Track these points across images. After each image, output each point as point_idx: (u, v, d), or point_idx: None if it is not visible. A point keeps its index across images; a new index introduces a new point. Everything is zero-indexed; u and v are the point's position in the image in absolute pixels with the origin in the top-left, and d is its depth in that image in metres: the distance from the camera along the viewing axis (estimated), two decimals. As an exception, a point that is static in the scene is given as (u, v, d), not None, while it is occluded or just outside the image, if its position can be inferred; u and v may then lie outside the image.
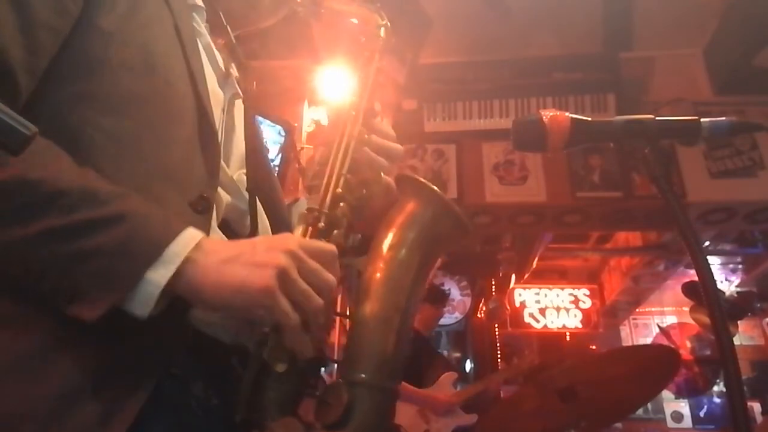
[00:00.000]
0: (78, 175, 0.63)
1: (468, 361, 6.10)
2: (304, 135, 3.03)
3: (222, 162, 0.82)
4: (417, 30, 2.81)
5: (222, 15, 0.95)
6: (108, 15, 0.74)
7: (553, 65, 3.28)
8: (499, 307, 4.89)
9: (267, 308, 0.64)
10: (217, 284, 0.63)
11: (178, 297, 0.64)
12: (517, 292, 5.57)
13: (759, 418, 4.89)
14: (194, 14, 0.89)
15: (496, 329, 5.38)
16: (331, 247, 0.72)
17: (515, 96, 3.29)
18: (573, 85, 3.24)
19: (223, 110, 0.88)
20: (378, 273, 0.79)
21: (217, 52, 0.93)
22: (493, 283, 5.07)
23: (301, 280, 0.65)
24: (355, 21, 1.02)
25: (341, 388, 0.69)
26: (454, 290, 5.49)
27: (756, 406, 5.14)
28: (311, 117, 3.16)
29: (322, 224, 0.77)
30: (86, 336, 0.61)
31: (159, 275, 0.61)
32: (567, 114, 0.91)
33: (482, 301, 5.41)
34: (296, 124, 2.92)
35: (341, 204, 0.80)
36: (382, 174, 0.90)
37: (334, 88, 2.99)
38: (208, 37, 0.92)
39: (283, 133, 2.83)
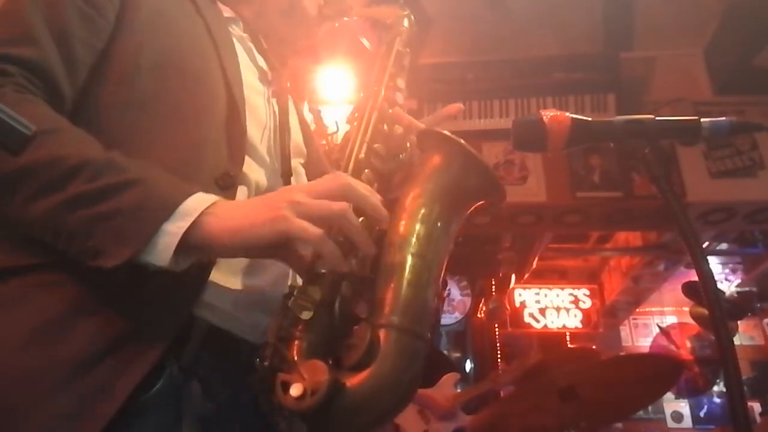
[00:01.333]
0: (105, 152, 0.69)
1: (468, 361, 6.10)
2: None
3: (262, 148, 0.89)
4: (417, 30, 2.81)
5: (262, 40, 1.03)
6: (139, 26, 0.82)
7: (553, 65, 3.28)
8: (499, 307, 4.89)
9: (284, 232, 0.66)
10: (233, 228, 0.66)
11: (195, 249, 0.67)
12: (517, 292, 5.56)
13: (759, 419, 4.88)
14: (232, 24, 0.98)
15: (496, 329, 5.38)
16: (341, 174, 0.74)
17: (515, 96, 3.29)
18: (573, 85, 3.24)
19: (267, 101, 0.95)
20: (404, 222, 0.77)
21: (258, 56, 1.01)
22: (493, 283, 5.07)
23: (314, 201, 0.68)
24: (386, 21, 1.09)
25: (365, 329, 0.68)
26: (454, 290, 5.49)
27: (756, 406, 5.14)
28: (311, 117, 3.16)
29: None
30: (102, 305, 0.67)
31: (176, 227, 0.65)
32: (567, 114, 0.91)
33: (482, 301, 5.41)
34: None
35: (366, 171, 0.82)
36: (407, 144, 0.93)
37: (334, 88, 2.99)
38: (250, 43, 1.00)
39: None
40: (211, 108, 0.83)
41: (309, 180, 1.00)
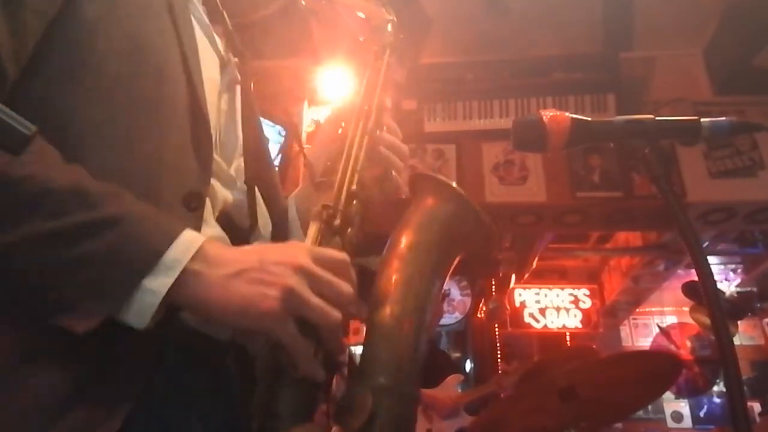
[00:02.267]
0: (67, 172, 0.58)
1: (468, 361, 6.10)
2: (304, 135, 3.04)
3: (216, 155, 0.78)
4: (417, 30, 2.81)
5: (219, 3, 0.91)
6: None
7: (553, 65, 3.28)
8: (499, 307, 4.89)
9: (273, 332, 0.60)
10: (223, 301, 0.59)
11: (175, 307, 0.59)
12: (517, 292, 5.56)
13: (758, 419, 4.88)
14: None
15: (496, 329, 5.38)
16: (344, 256, 0.68)
17: (515, 96, 3.29)
18: (573, 85, 3.24)
19: (219, 94, 0.84)
20: (395, 274, 0.75)
21: (216, 37, 0.89)
22: (493, 283, 5.07)
23: (314, 297, 0.61)
24: (361, 15, 1.00)
25: (366, 394, 0.65)
26: (454, 290, 5.49)
27: (756, 406, 5.14)
28: (311, 117, 3.16)
29: (337, 222, 0.74)
30: (64, 344, 0.56)
31: (158, 283, 0.56)
32: (567, 114, 0.91)
33: (482, 301, 5.41)
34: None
35: (354, 202, 0.78)
36: (393, 172, 0.88)
37: (334, 88, 2.99)
38: (207, 21, 0.87)
39: (283, 133, 2.83)
40: (173, 107, 0.72)
41: (260, 181, 0.88)
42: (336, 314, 0.62)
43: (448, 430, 3.01)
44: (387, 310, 0.72)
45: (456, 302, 5.50)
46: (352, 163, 0.81)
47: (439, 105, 3.33)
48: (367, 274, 0.74)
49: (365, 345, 0.71)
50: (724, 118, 0.89)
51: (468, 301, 5.55)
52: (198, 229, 0.68)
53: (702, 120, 0.89)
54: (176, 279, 0.57)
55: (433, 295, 0.77)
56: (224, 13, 0.91)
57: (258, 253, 0.64)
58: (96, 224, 0.56)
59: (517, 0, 2.98)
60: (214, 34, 0.89)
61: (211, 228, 0.74)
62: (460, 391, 3.22)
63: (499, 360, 5.24)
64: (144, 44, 0.72)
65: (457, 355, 6.27)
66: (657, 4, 3.00)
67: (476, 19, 3.08)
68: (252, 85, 0.92)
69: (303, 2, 0.99)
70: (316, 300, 0.61)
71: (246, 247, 0.69)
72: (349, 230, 0.75)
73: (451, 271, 0.82)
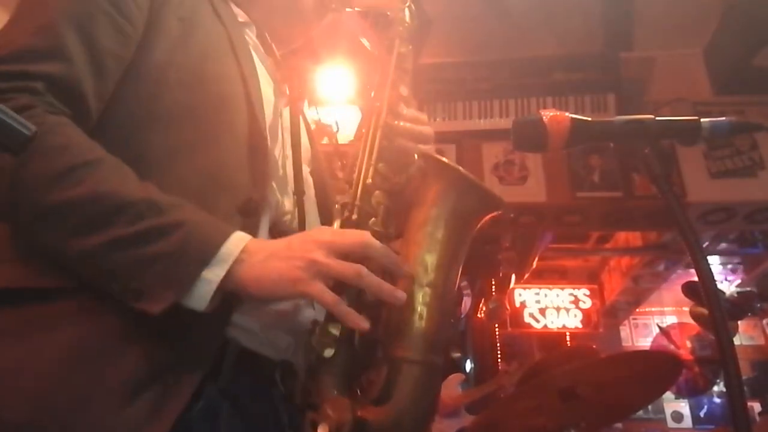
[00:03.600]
0: (142, 189, 0.71)
1: (468, 361, 6.09)
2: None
3: (278, 164, 0.89)
4: (417, 30, 2.81)
5: (267, 36, 1.02)
6: (165, 38, 0.82)
7: (553, 65, 3.28)
8: (499, 307, 4.89)
9: (303, 294, 0.71)
10: (260, 278, 0.70)
11: (229, 293, 0.71)
12: (517, 292, 5.56)
13: (758, 418, 4.88)
14: (246, 29, 0.97)
15: (496, 329, 5.38)
16: (362, 233, 0.76)
17: (515, 96, 3.29)
18: (573, 85, 3.24)
19: (279, 114, 0.95)
20: (413, 252, 0.80)
21: (269, 62, 1.01)
22: (493, 283, 5.07)
23: (335, 260, 0.71)
24: (381, 11, 1.07)
25: (381, 364, 0.73)
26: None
27: (756, 406, 5.14)
28: (311, 117, 3.16)
29: (355, 216, 0.81)
30: (145, 334, 0.68)
31: (213, 274, 0.68)
32: (567, 114, 0.91)
33: (482, 301, 5.41)
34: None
35: (376, 193, 0.84)
36: (416, 156, 0.94)
37: (335, 88, 2.99)
38: (262, 49, 0.99)
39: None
40: (233, 129, 0.83)
41: (315, 187, 1.01)
42: (355, 265, 0.71)
43: (448, 430, 3.00)
44: (410, 288, 0.77)
45: (456, 302, 5.50)
46: (366, 158, 0.87)
47: (439, 105, 3.33)
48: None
49: (389, 318, 0.76)
50: (724, 118, 0.89)
51: (468, 301, 5.54)
52: (255, 233, 0.79)
53: (702, 120, 0.89)
54: (228, 269, 0.69)
55: (454, 269, 0.81)
56: (273, 46, 1.03)
57: (287, 239, 0.77)
58: (166, 227, 0.68)
59: (517, 0, 2.98)
60: (267, 60, 1.00)
61: (264, 236, 0.85)
62: (460, 390, 3.22)
63: (499, 360, 5.24)
64: (209, 76, 0.83)
65: (457, 355, 6.26)
66: (657, 4, 3.00)
67: (476, 19, 3.08)
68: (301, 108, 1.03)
69: (332, 14, 1.05)
70: (336, 262, 0.71)
71: (280, 238, 0.79)
72: (371, 221, 0.81)
73: (467, 243, 0.86)
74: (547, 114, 0.90)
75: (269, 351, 0.83)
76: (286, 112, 0.98)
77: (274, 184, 0.88)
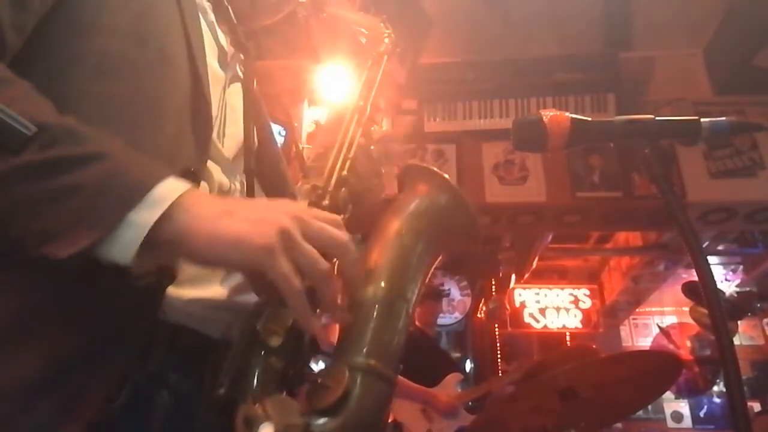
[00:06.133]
0: (59, 116, 0.58)
1: (468, 361, 6.10)
2: (304, 135, 3.03)
3: (217, 141, 0.78)
4: (417, 30, 2.81)
5: (231, 11, 0.92)
6: None
7: (553, 65, 3.28)
8: (499, 307, 4.89)
9: (266, 267, 0.58)
10: (212, 236, 0.57)
11: (161, 246, 0.57)
12: (517, 292, 5.57)
13: (756, 419, 4.88)
14: None
15: (496, 329, 5.38)
16: (336, 216, 0.67)
17: (515, 96, 3.29)
18: (573, 85, 3.24)
19: (224, 89, 0.84)
20: (381, 258, 0.75)
21: (220, 32, 0.89)
22: (493, 283, 5.07)
23: (306, 244, 0.60)
24: (360, 29, 1.05)
25: (342, 371, 0.63)
26: (454, 290, 5.49)
27: (756, 406, 5.14)
28: (311, 117, 3.16)
29: (326, 202, 0.74)
30: (52, 312, 0.57)
31: (143, 218, 0.55)
32: (567, 114, 0.91)
33: (482, 301, 5.41)
34: (296, 124, 2.92)
35: (343, 189, 0.78)
36: (381, 169, 0.91)
37: (334, 88, 2.99)
38: (213, 16, 0.88)
39: (283, 133, 2.83)
40: (173, 89, 0.72)
41: (263, 174, 0.89)
42: (324, 264, 0.61)
43: (448, 430, 3.01)
44: (370, 291, 0.71)
45: (456, 302, 5.50)
46: (344, 150, 0.82)
47: (439, 105, 3.33)
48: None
49: (345, 325, 0.70)
50: (724, 118, 0.89)
51: (468, 301, 5.55)
52: None
53: (702, 120, 0.89)
54: (162, 214, 0.56)
55: (418, 281, 0.76)
56: (229, 8, 0.91)
57: (247, 201, 0.66)
58: (84, 157, 0.56)
59: (517, 0, 2.98)
60: (218, 29, 0.89)
61: None
62: (459, 390, 3.22)
63: (499, 360, 5.24)
64: (148, 29, 0.72)
65: (457, 355, 6.27)
66: (657, 4, 3.01)
67: (476, 19, 3.08)
68: (255, 82, 0.92)
69: (301, 12, 1.02)
70: (308, 245, 0.60)
71: (234, 198, 0.69)
72: (341, 216, 0.73)
73: (437, 260, 0.82)
74: (547, 114, 0.90)
75: (209, 328, 0.71)
76: (235, 88, 0.88)
77: (216, 162, 0.77)
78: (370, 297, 0.71)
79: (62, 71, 0.66)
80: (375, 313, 0.70)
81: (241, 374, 0.61)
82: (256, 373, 0.62)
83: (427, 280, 0.79)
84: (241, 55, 0.90)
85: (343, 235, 0.64)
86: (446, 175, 0.83)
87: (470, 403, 3.18)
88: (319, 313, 0.65)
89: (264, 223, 0.59)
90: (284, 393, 0.63)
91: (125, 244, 0.54)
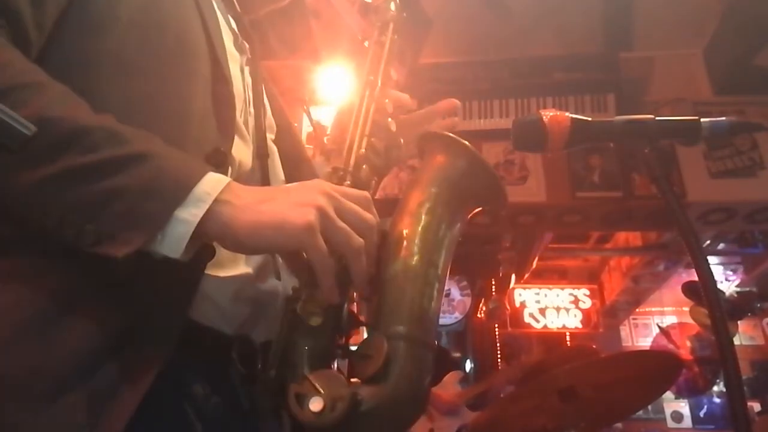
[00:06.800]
0: (99, 117, 0.60)
1: (468, 361, 6.10)
2: (304, 135, 3.03)
3: (240, 122, 0.80)
4: (417, 30, 2.81)
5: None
6: None
7: (553, 65, 3.28)
8: (499, 307, 4.89)
9: (306, 246, 0.61)
10: (256, 223, 0.60)
11: (209, 239, 0.61)
12: (517, 292, 5.56)
13: (757, 418, 4.88)
14: None
15: (496, 329, 5.38)
16: (365, 193, 0.69)
17: (515, 96, 3.29)
18: (573, 85, 3.24)
19: (240, 70, 0.87)
20: (408, 229, 0.75)
21: (231, 18, 0.92)
22: (493, 283, 5.07)
23: (340, 221, 0.63)
24: (368, 1, 1.04)
25: (381, 340, 0.65)
26: (454, 290, 5.48)
27: (756, 406, 5.14)
28: (312, 117, 3.16)
29: (348, 183, 0.75)
30: (100, 298, 0.59)
31: (190, 214, 0.57)
32: (567, 114, 0.91)
33: (482, 301, 5.41)
34: (296, 124, 2.92)
35: (364, 167, 0.79)
36: (401, 140, 0.90)
37: (334, 88, 2.99)
38: (221, 1, 0.91)
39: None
40: (195, 74, 0.74)
41: (282, 156, 0.93)
42: (358, 239, 0.64)
43: (449, 429, 3.01)
44: (401, 264, 0.72)
45: (456, 302, 5.49)
46: (360, 128, 0.83)
47: (439, 105, 3.33)
48: (380, 235, 0.74)
49: (380, 298, 0.71)
50: (724, 118, 0.89)
51: (468, 301, 5.54)
52: None
53: (702, 120, 0.89)
54: (208, 209, 0.58)
55: (446, 249, 0.77)
56: (235, 1, 0.94)
57: (281, 187, 0.70)
58: (129, 158, 0.58)
59: (517, 0, 2.98)
60: (228, 15, 0.91)
61: None
62: (459, 388, 3.22)
63: (499, 360, 5.24)
64: (165, 16, 0.74)
65: (457, 354, 6.27)
66: (657, 4, 3.01)
67: (476, 19, 3.08)
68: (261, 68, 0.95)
69: None
70: (341, 223, 0.63)
71: (268, 186, 0.72)
72: None
73: (464, 224, 0.82)
74: (547, 114, 0.90)
75: (223, 324, 0.72)
76: (247, 71, 0.90)
77: (237, 139, 0.79)
78: (401, 270, 0.72)
79: (85, 66, 0.67)
80: (409, 284, 0.71)
81: (288, 355, 0.65)
82: (302, 353, 0.66)
83: (455, 245, 0.79)
84: (247, 44, 0.92)
85: (371, 217, 0.67)
86: (466, 142, 0.82)
87: (471, 402, 3.18)
88: (351, 289, 0.68)
89: (302, 205, 0.61)
90: (330, 367, 0.66)
91: (175, 240, 0.57)
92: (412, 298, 0.71)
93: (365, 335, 0.70)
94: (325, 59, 2.85)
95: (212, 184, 0.60)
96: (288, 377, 0.64)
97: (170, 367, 0.64)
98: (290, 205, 0.62)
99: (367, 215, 0.66)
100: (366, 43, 1.00)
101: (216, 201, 0.59)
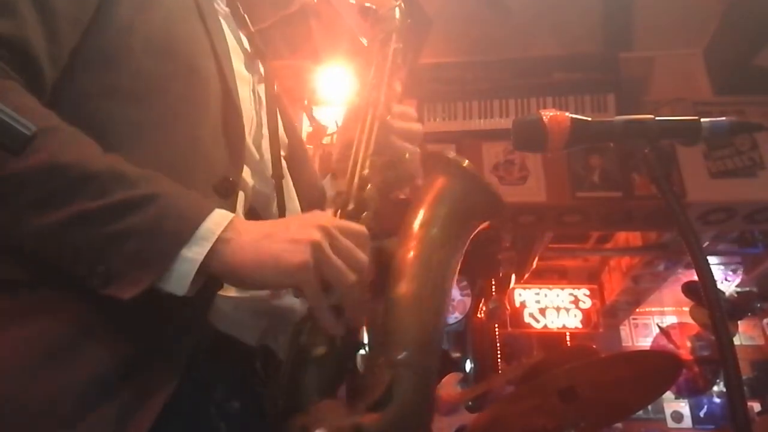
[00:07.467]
0: (106, 159, 0.63)
1: (468, 361, 6.09)
2: (304, 135, 3.04)
3: (251, 144, 0.82)
4: (417, 30, 2.81)
5: (240, 6, 0.95)
6: (127, 2, 0.74)
7: (553, 65, 3.28)
8: (499, 307, 4.89)
9: (302, 283, 0.64)
10: (255, 261, 0.63)
11: (212, 276, 0.64)
12: (517, 292, 5.56)
13: (757, 418, 4.88)
14: None
15: (496, 329, 5.37)
16: (362, 228, 0.71)
17: (515, 96, 3.29)
18: (573, 85, 3.24)
19: (252, 91, 0.88)
20: (412, 252, 0.77)
21: (242, 35, 0.93)
22: (493, 283, 5.06)
23: (334, 257, 0.65)
24: (370, 5, 1.02)
25: (382, 368, 0.68)
26: (454, 290, 5.48)
27: (756, 406, 5.14)
28: (318, 117, 3.16)
29: (351, 206, 0.77)
30: (114, 324, 0.61)
31: (194, 253, 0.60)
32: (567, 114, 0.91)
33: (482, 301, 5.41)
34: (296, 124, 2.92)
35: (368, 186, 0.80)
36: (407, 155, 0.90)
37: (335, 88, 2.99)
38: (232, 20, 0.92)
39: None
40: (206, 102, 0.76)
41: (294, 174, 0.94)
42: (351, 276, 0.66)
43: (449, 429, 3.00)
44: (405, 287, 0.74)
45: (456, 302, 5.49)
46: (363, 149, 0.83)
47: (439, 105, 3.33)
48: (385, 255, 0.76)
49: (385, 321, 0.72)
50: (724, 118, 0.89)
51: (468, 301, 5.54)
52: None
53: (702, 120, 0.89)
54: (211, 248, 0.61)
55: (451, 270, 0.78)
56: (246, 17, 0.95)
57: (283, 220, 0.73)
58: (136, 201, 0.61)
59: (517, 0, 2.98)
60: (240, 33, 0.93)
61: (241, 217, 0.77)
62: (459, 389, 3.22)
63: (499, 360, 5.24)
64: (176, 44, 0.76)
65: (457, 355, 6.27)
66: (657, 4, 3.00)
67: (476, 19, 3.08)
68: (275, 85, 0.95)
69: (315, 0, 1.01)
70: (336, 258, 0.65)
71: (270, 220, 0.75)
72: (364, 214, 0.77)
73: (467, 242, 0.83)
74: (547, 114, 0.90)
75: (245, 335, 0.75)
76: (260, 90, 0.90)
77: (249, 167, 0.80)
78: (406, 292, 0.73)
79: (99, 97, 0.70)
80: (409, 309, 0.73)
81: (294, 385, 0.68)
82: (307, 383, 0.68)
83: (459, 264, 0.81)
84: (259, 62, 0.93)
85: (363, 257, 0.68)
86: (465, 161, 0.83)
87: (470, 402, 3.18)
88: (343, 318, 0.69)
89: (298, 242, 0.64)
90: (336, 395, 0.68)
91: (180, 277, 0.60)
92: (415, 322, 0.72)
93: (369, 358, 0.71)
94: (325, 59, 2.85)
95: (217, 220, 0.63)
96: (294, 407, 0.66)
97: (198, 372, 0.67)
98: (287, 242, 0.64)
99: (360, 255, 0.68)
100: (365, 41, 0.99)
101: (219, 239, 0.62)
